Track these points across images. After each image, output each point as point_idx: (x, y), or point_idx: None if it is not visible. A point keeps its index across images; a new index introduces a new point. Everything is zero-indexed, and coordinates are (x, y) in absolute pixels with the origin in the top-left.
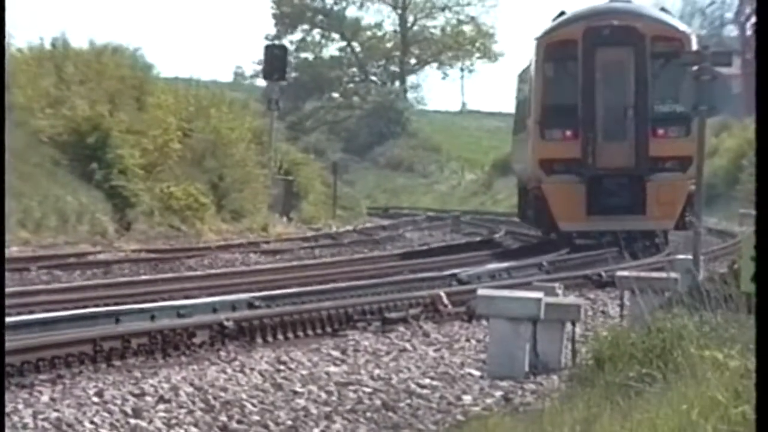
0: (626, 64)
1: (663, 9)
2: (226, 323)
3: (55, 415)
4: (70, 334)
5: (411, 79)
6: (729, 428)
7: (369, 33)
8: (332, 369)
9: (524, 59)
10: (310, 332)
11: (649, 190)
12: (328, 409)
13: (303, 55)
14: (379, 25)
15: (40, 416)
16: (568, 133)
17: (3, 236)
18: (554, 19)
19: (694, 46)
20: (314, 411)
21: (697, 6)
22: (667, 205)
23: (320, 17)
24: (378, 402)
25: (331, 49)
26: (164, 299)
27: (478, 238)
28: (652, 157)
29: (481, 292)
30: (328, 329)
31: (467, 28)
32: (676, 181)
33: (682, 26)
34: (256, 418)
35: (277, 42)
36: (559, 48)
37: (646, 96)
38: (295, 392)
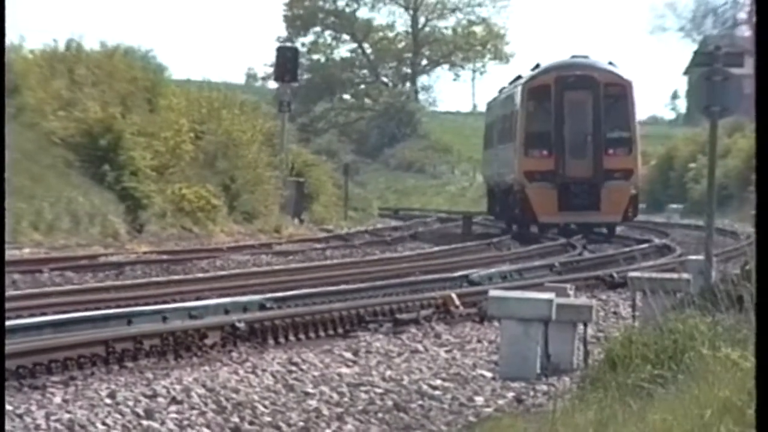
0: (586, 103)
1: (611, 63)
2: (237, 324)
3: (67, 416)
4: (82, 336)
5: (422, 81)
6: (742, 430)
7: (380, 34)
8: (344, 370)
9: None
10: (321, 333)
11: (603, 193)
12: (339, 410)
13: (314, 56)
14: (390, 26)
15: (53, 417)
16: (545, 152)
17: (3, 238)
18: (532, 69)
19: (635, 91)
20: (326, 412)
21: (709, 6)
22: (615, 204)
23: (332, 19)
24: (390, 403)
25: (343, 51)
26: (176, 301)
27: (489, 240)
28: (605, 169)
29: (492, 293)
30: (340, 330)
31: (478, 29)
32: (622, 187)
33: (625, 75)
34: (268, 419)
35: (288, 44)
36: (537, 91)
37: (600, 126)
38: (307, 393)
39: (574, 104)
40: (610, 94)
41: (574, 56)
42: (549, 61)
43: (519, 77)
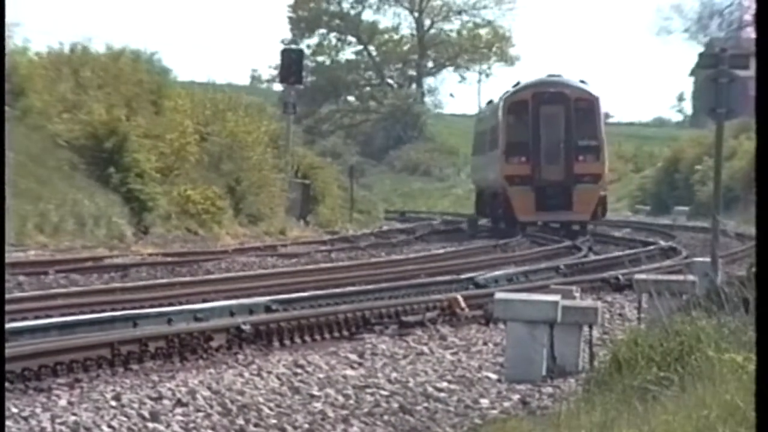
0: (559, 116)
1: (582, 81)
2: (243, 327)
3: (72, 418)
4: (87, 338)
5: (428, 83)
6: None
7: (386, 36)
8: (349, 372)
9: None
10: (327, 336)
11: (574, 195)
12: (345, 412)
13: (319, 58)
14: (395, 29)
15: (58, 420)
16: (523, 159)
17: (3, 238)
18: (513, 86)
19: (602, 105)
20: (331, 414)
21: (715, 8)
22: (585, 204)
23: (337, 21)
24: (395, 405)
25: (348, 53)
26: (181, 303)
27: (494, 242)
28: (576, 174)
29: (498, 295)
30: (345, 333)
31: (484, 32)
32: (591, 189)
33: (594, 91)
34: (274, 421)
35: (293, 46)
36: (517, 105)
37: (571, 135)
38: (313, 396)
39: (549, 117)
40: (579, 108)
41: (549, 75)
42: (527, 80)
43: (506, 93)
